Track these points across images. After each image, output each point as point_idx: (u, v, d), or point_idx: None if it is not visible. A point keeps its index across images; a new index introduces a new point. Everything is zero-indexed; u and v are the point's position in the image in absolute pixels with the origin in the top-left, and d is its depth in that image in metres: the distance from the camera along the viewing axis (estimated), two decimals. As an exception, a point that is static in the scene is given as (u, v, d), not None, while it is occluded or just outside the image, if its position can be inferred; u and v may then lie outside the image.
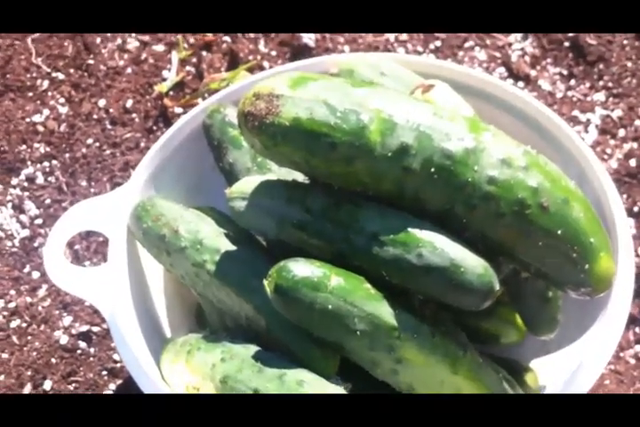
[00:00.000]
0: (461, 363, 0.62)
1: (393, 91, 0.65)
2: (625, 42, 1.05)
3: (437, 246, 0.60)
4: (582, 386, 0.64)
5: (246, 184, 0.68)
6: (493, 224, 0.61)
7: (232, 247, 0.67)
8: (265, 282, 0.60)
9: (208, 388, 0.61)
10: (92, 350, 0.85)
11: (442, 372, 0.61)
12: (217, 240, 0.68)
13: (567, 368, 0.68)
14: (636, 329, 0.87)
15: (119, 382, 0.82)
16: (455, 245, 0.60)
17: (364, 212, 0.62)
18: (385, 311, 0.60)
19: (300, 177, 0.67)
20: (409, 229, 0.61)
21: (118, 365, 0.83)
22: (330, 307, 0.59)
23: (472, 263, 0.60)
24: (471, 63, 1.05)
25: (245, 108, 0.61)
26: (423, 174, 0.61)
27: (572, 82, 1.04)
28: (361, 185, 0.62)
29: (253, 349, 0.62)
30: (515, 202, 0.60)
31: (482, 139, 0.61)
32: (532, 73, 1.05)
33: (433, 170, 0.60)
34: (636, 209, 0.94)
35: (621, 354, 0.86)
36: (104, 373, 0.83)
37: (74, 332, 0.86)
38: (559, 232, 0.60)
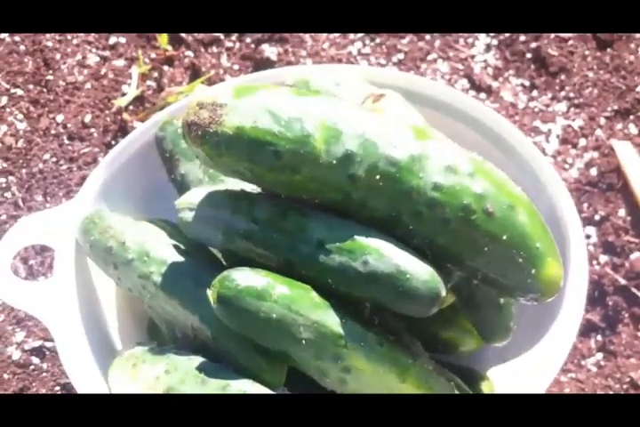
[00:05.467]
0: (410, 372, 0.61)
1: (338, 100, 0.64)
2: (586, 52, 1.06)
3: (383, 253, 0.59)
4: (536, 391, 0.63)
5: (194, 195, 0.67)
6: (440, 231, 0.60)
7: (179, 259, 0.66)
8: (208, 292, 0.59)
9: (152, 401, 0.60)
10: (44, 365, 0.83)
11: (390, 381, 0.60)
12: (164, 252, 0.67)
13: (522, 375, 0.67)
14: (598, 337, 0.86)
15: (73, 398, 0.81)
16: (401, 252, 0.60)
17: (311, 220, 0.62)
18: (331, 320, 0.59)
19: (249, 187, 0.66)
20: (355, 237, 0.60)
21: (72, 381, 0.81)
22: (274, 316, 0.58)
23: (418, 270, 0.59)
24: (434, 75, 1.05)
25: (189, 118, 0.61)
26: (368, 182, 0.60)
27: (534, 93, 1.04)
28: (307, 193, 0.62)
29: (198, 360, 0.61)
30: (460, 208, 0.59)
31: (427, 146, 0.61)
32: (495, 84, 1.05)
33: (378, 177, 0.60)
34: (597, 218, 0.94)
35: (583, 362, 0.84)
36: (57, 388, 0.82)
37: (27, 347, 0.84)
38: (505, 237, 0.59)
